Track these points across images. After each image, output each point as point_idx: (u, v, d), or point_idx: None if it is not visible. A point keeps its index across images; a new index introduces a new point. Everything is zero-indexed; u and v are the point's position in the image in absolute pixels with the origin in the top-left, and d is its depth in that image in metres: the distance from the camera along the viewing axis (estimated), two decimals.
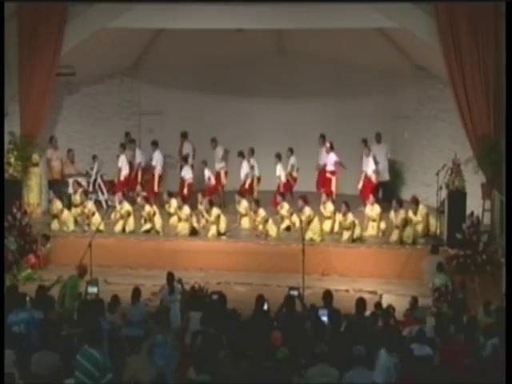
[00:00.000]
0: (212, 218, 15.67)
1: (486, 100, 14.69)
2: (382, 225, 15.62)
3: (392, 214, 15.33)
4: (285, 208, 15.97)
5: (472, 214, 14.23)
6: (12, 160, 15.96)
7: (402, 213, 15.21)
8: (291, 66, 18.84)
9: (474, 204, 14.89)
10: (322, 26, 15.53)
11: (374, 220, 15.73)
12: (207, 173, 17.50)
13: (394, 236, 15.10)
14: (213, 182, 17.47)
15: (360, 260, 14.86)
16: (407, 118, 18.47)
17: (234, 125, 18.63)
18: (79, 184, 16.96)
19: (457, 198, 14.61)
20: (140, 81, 19.54)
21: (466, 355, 8.86)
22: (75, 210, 16.32)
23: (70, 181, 17.27)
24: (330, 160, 17.29)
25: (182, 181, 17.38)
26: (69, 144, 18.05)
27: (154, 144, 17.92)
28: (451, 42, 14.70)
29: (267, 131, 18.67)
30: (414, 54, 17.76)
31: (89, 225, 15.94)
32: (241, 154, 17.38)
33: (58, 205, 16.08)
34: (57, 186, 17.02)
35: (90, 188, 17.37)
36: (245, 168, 17.32)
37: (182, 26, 15.77)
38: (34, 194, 16.70)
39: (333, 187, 17.15)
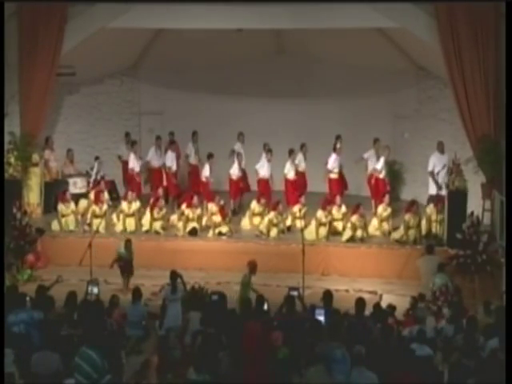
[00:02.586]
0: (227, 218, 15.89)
1: (486, 100, 14.69)
2: (386, 225, 15.65)
3: (409, 215, 15.17)
4: (299, 206, 15.97)
5: (472, 213, 14.23)
6: (12, 160, 15.97)
7: (419, 216, 15.24)
8: (291, 67, 18.84)
9: (474, 204, 14.90)
10: (322, 26, 15.52)
11: (382, 220, 15.74)
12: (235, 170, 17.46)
13: (411, 236, 15.05)
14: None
15: (360, 260, 14.86)
16: (407, 118, 18.47)
17: (233, 125, 18.60)
18: (99, 182, 17.06)
19: (457, 197, 14.62)
20: (140, 81, 19.55)
21: None
22: (76, 208, 16.33)
23: (70, 181, 17.27)
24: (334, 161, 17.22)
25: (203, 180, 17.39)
26: (69, 144, 18.04)
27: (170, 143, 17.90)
28: (451, 42, 14.70)
29: (267, 131, 18.65)
30: (414, 53, 17.76)
31: (89, 225, 15.92)
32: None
33: (72, 206, 16.13)
34: (55, 187, 17.02)
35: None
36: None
37: (182, 26, 15.78)
38: (34, 194, 16.70)
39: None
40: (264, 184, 17.19)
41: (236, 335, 9.48)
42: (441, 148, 16.01)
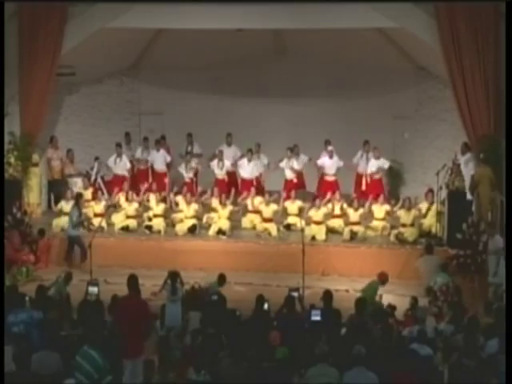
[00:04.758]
0: (226, 213, 15.89)
1: (486, 100, 14.68)
2: (387, 224, 15.69)
3: (402, 212, 15.39)
4: (297, 204, 16.02)
5: (472, 213, 14.22)
6: (12, 160, 15.95)
7: (413, 212, 15.34)
8: (291, 67, 18.82)
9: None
10: (322, 26, 15.51)
11: (379, 219, 15.79)
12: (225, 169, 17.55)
13: (411, 237, 15.10)
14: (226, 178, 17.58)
15: (360, 260, 14.86)
16: (407, 118, 18.46)
17: (233, 125, 18.60)
18: (89, 180, 17.06)
19: (457, 198, 14.62)
20: (140, 81, 19.53)
21: None
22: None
23: (71, 181, 17.26)
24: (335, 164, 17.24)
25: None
26: (69, 144, 18.03)
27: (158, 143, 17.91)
28: (451, 42, 14.69)
29: (267, 131, 18.64)
30: (414, 53, 17.76)
31: (91, 224, 15.95)
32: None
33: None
34: (57, 186, 17.02)
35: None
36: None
37: (182, 26, 15.76)
38: (34, 194, 16.69)
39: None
40: (246, 183, 17.29)
41: (236, 335, 9.51)
42: (463, 149, 15.48)
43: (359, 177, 17.42)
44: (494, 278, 12.82)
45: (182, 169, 17.46)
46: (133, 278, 9.36)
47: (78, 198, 15.44)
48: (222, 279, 12.27)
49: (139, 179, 17.87)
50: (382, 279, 12.24)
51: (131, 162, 17.90)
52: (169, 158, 17.82)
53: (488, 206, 14.30)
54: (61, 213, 16.07)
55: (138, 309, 9.05)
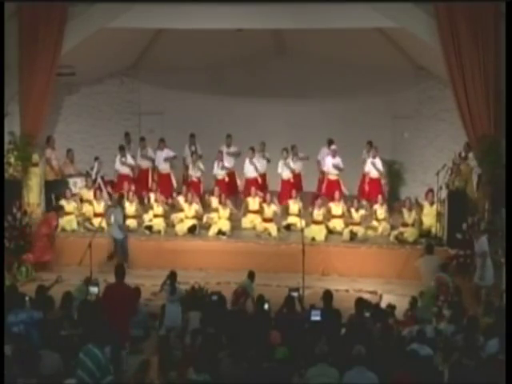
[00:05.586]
0: (226, 214, 15.92)
1: (486, 100, 14.68)
2: (387, 225, 15.71)
3: (404, 212, 15.41)
4: (298, 205, 16.04)
5: (472, 213, 14.23)
6: (12, 160, 15.94)
7: (414, 212, 15.38)
8: (291, 67, 18.84)
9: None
10: (322, 26, 15.51)
11: (379, 220, 15.80)
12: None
13: (411, 237, 15.12)
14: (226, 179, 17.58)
15: (360, 260, 14.88)
16: (407, 118, 18.47)
17: (233, 125, 18.61)
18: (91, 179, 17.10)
19: (457, 198, 14.63)
20: (140, 81, 19.54)
21: None
22: (76, 207, 16.34)
23: (71, 181, 17.27)
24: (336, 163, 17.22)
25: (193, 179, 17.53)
26: (69, 144, 18.03)
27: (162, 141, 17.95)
28: (451, 42, 14.69)
29: (267, 131, 18.64)
30: (414, 54, 17.76)
31: (91, 223, 15.96)
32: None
33: (74, 204, 16.23)
34: (56, 186, 17.01)
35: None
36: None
37: (182, 26, 15.76)
38: (34, 194, 16.67)
39: (343, 188, 17.22)
40: (248, 183, 17.28)
41: (236, 335, 9.51)
42: (466, 149, 15.51)
43: (363, 177, 17.41)
44: (481, 281, 12.85)
45: (190, 169, 17.44)
46: (120, 268, 9.91)
47: (120, 198, 15.48)
48: (252, 276, 12.51)
49: (141, 179, 17.87)
50: (438, 285, 12.27)
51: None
52: (172, 154, 17.72)
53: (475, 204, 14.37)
54: (62, 213, 16.07)
55: (124, 295, 9.62)
